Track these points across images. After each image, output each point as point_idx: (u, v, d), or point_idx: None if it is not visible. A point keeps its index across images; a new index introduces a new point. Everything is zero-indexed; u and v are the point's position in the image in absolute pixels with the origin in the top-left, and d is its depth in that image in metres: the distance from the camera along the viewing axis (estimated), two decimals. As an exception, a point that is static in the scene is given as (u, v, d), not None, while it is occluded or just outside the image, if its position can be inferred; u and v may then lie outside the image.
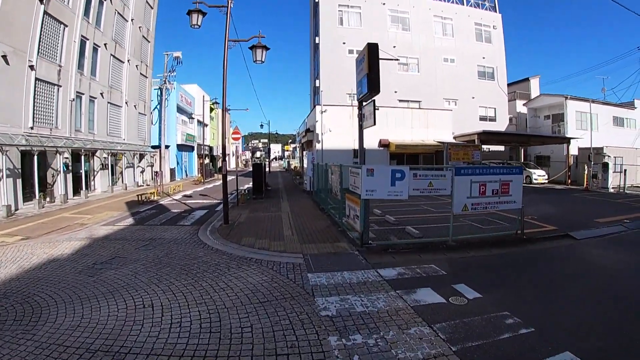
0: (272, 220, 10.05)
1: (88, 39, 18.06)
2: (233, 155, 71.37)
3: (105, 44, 19.66)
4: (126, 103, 22.45)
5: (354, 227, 7.28)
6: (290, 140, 78.53)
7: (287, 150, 78.39)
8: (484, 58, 27.32)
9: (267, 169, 32.80)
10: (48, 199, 15.38)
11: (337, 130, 17.71)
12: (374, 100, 6.51)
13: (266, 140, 79.49)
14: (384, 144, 18.41)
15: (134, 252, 6.79)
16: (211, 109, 44.36)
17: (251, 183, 16.49)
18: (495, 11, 28.50)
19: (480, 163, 19.35)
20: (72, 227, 9.75)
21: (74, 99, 16.89)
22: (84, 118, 18.07)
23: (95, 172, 19.44)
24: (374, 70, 6.34)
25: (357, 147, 19.32)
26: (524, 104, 31.04)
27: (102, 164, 19.69)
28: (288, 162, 50.50)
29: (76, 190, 17.12)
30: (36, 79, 14.25)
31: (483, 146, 21.20)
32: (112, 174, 21.63)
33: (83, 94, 17.87)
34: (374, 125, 6.58)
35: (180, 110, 31.05)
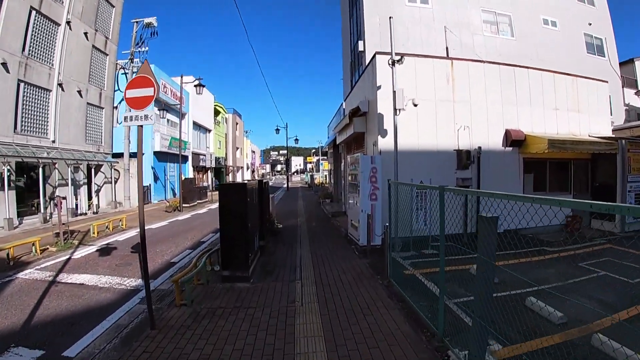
0: None
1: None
2: (248, 169, 62.94)
3: (11, -17, 11.42)
4: (60, 86, 14.11)
5: None
6: (313, 151, 69.69)
7: (310, 162, 69.46)
8: (590, 25, 17.65)
9: (276, 192, 23.35)
10: None
11: (425, 108, 8.11)
12: None
13: (285, 152, 70.77)
14: (516, 139, 8.62)
15: None
16: (216, 112, 36.04)
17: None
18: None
19: None
20: None
21: None
22: None
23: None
24: None
25: (463, 145, 8.95)
26: (635, 93, 21.09)
27: (2, 180, 11.16)
28: (311, 175, 40.85)
29: None
30: None
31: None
32: (43, 196, 13.02)
33: None
34: None
35: (160, 103, 22.11)
